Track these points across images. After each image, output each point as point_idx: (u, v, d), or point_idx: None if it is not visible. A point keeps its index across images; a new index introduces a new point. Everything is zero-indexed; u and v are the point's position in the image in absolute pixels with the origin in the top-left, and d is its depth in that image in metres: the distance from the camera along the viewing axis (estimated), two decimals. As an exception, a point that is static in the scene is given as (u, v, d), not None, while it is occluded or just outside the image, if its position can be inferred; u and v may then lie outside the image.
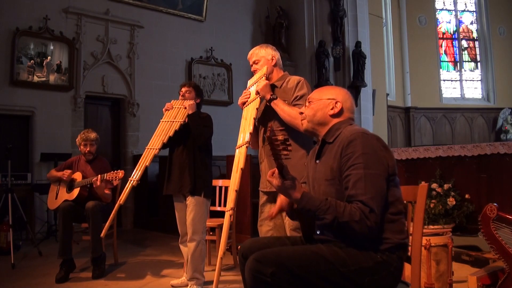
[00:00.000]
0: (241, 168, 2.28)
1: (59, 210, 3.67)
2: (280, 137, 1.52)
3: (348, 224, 1.49)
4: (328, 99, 1.78)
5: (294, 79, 2.47)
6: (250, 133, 2.37)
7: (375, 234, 1.53)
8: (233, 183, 2.28)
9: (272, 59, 2.52)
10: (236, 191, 2.25)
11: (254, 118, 2.42)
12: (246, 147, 2.35)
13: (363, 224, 1.48)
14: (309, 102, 1.83)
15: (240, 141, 2.41)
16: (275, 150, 1.51)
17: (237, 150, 2.41)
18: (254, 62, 2.57)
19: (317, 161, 1.78)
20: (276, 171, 1.60)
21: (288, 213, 1.89)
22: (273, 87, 2.49)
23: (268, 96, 2.40)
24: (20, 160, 5.71)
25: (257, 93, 2.43)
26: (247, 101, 2.51)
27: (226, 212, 2.24)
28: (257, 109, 2.44)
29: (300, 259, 1.54)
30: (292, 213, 1.86)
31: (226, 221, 2.22)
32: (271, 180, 1.61)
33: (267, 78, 2.49)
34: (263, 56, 2.53)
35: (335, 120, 1.76)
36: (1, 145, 4.97)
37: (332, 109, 1.76)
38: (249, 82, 2.59)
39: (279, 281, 1.50)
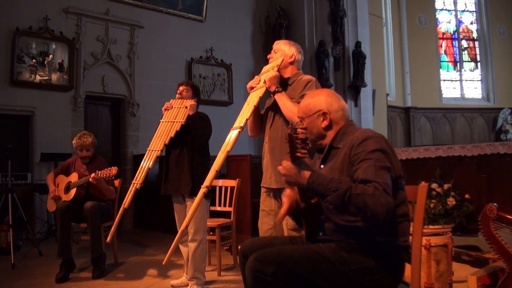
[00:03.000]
0: (228, 151, 2.32)
1: (56, 211, 3.67)
2: (302, 136, 1.51)
3: (361, 197, 1.43)
4: (315, 114, 1.77)
5: (306, 78, 2.46)
6: (247, 119, 2.40)
7: (389, 216, 1.45)
8: (216, 162, 2.31)
9: (291, 57, 2.52)
10: (216, 171, 2.29)
11: (255, 106, 2.43)
12: (239, 131, 2.37)
13: (377, 200, 1.42)
14: (300, 120, 1.81)
15: (236, 123, 2.43)
16: (293, 148, 1.50)
17: (230, 132, 2.42)
18: (274, 51, 2.58)
19: (321, 166, 1.77)
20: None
21: (294, 214, 1.85)
22: (285, 83, 2.50)
23: (273, 88, 2.41)
24: (20, 160, 5.71)
25: (265, 82, 2.44)
26: (255, 86, 2.51)
27: (201, 189, 2.29)
28: (260, 97, 2.44)
29: (301, 258, 1.54)
30: (296, 214, 1.82)
31: (198, 196, 2.27)
32: (283, 163, 1.59)
33: (279, 71, 2.49)
34: (284, 50, 2.54)
35: (334, 129, 1.75)
36: (1, 145, 4.96)
37: (323, 121, 1.76)
38: (263, 69, 2.58)
39: (280, 281, 1.50)
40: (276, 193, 2.46)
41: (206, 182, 2.29)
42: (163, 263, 2.19)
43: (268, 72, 2.47)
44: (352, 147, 1.61)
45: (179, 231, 2.21)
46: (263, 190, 2.57)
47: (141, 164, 3.02)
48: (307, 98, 1.84)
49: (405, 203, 1.63)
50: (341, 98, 1.83)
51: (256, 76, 2.56)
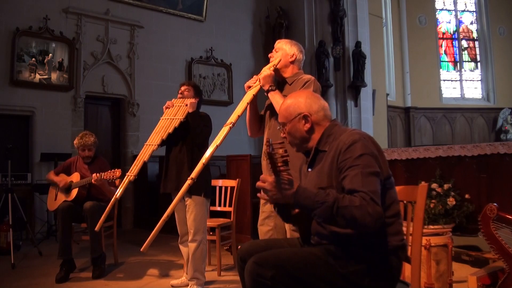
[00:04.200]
0: (217, 145, 2.35)
1: (58, 211, 3.67)
2: (280, 151, 1.49)
3: (348, 210, 1.41)
4: (295, 117, 1.72)
5: (305, 77, 2.48)
6: (238, 115, 2.41)
7: (378, 225, 1.45)
8: (204, 156, 2.36)
9: (292, 56, 2.53)
10: (203, 164, 2.32)
11: (248, 103, 2.46)
12: (230, 127, 2.39)
13: (364, 211, 1.41)
14: (282, 126, 1.77)
15: (228, 120, 2.45)
16: (274, 165, 1.48)
17: (222, 128, 2.44)
18: (275, 50, 2.60)
19: (309, 170, 1.75)
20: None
21: (284, 217, 1.84)
22: (285, 83, 2.51)
23: (266, 87, 2.43)
24: (20, 160, 5.70)
25: (259, 81, 2.46)
26: (252, 85, 2.53)
27: (186, 180, 2.31)
28: (254, 95, 2.47)
29: (300, 261, 1.54)
30: (288, 217, 1.80)
31: (183, 188, 2.28)
32: (267, 179, 1.52)
33: (279, 71, 2.51)
34: (285, 49, 2.55)
35: (318, 130, 1.72)
36: (1, 145, 4.96)
37: (305, 124, 1.72)
38: (263, 69, 2.59)
39: (279, 284, 1.50)
40: None
41: (193, 174, 2.31)
42: (141, 249, 2.21)
43: (263, 71, 2.49)
44: (340, 153, 1.57)
45: (161, 220, 2.22)
46: None
47: (137, 157, 3.01)
48: (286, 102, 1.79)
49: (396, 202, 1.62)
50: (320, 97, 1.80)
51: (254, 76, 2.58)
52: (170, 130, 3.09)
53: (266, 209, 2.53)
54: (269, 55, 2.63)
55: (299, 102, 1.74)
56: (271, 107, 2.51)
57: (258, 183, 1.55)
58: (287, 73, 2.53)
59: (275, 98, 2.38)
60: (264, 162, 2.56)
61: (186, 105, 3.17)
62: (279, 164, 1.48)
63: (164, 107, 3.26)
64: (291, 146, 1.79)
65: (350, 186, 1.49)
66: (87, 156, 3.91)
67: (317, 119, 1.72)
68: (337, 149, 1.60)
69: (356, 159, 1.52)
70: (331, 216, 1.46)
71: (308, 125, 1.71)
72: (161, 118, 3.21)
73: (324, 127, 1.72)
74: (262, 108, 2.65)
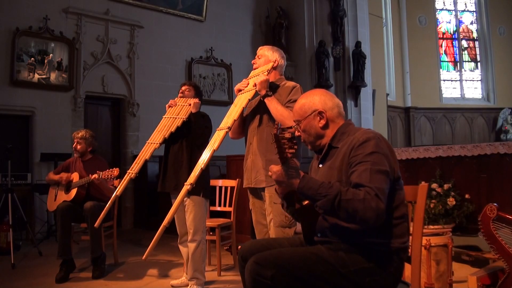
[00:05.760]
0: (214, 149, 2.35)
1: (57, 211, 3.67)
2: (287, 135, 1.52)
3: (351, 202, 1.43)
4: (311, 114, 1.74)
5: (290, 83, 2.53)
6: (234, 119, 2.44)
7: (379, 221, 1.46)
8: (202, 160, 2.35)
9: (275, 62, 2.56)
10: (201, 168, 2.32)
11: (243, 108, 2.48)
12: (226, 132, 2.41)
13: (367, 205, 1.42)
14: (297, 124, 1.79)
15: (222, 124, 2.47)
16: (281, 148, 1.50)
17: (217, 132, 2.46)
18: (257, 56, 2.64)
19: (320, 165, 1.76)
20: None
21: (291, 210, 1.86)
22: (275, 86, 2.52)
23: (263, 92, 2.44)
24: (20, 160, 5.71)
25: (255, 85, 2.47)
26: (243, 89, 2.55)
27: (184, 185, 2.30)
28: (249, 99, 2.49)
29: (300, 261, 1.54)
30: (294, 211, 1.83)
31: (181, 193, 2.27)
32: (272, 168, 1.60)
33: None
34: (267, 56, 2.59)
35: (332, 127, 1.74)
36: (1, 145, 4.96)
37: (320, 121, 1.73)
38: (251, 73, 2.63)
39: (279, 284, 1.50)
40: (261, 192, 2.51)
41: (191, 179, 2.31)
42: (143, 258, 2.19)
43: (258, 76, 2.51)
44: (352, 148, 1.59)
45: (161, 227, 2.21)
46: (249, 194, 2.62)
47: (139, 155, 3.00)
48: (301, 100, 1.81)
49: (403, 204, 1.63)
50: (334, 96, 1.82)
51: (244, 80, 2.61)
52: (173, 129, 3.09)
53: (256, 208, 2.60)
54: (252, 62, 2.67)
55: (314, 99, 1.77)
56: (259, 108, 2.53)
57: (269, 173, 1.62)
58: (270, 79, 2.55)
59: (273, 104, 2.40)
60: (249, 160, 2.57)
61: (189, 104, 3.17)
62: (286, 147, 1.50)
63: (167, 105, 3.26)
64: (305, 144, 1.82)
65: (357, 180, 1.50)
66: (77, 150, 3.91)
67: (332, 116, 1.74)
68: (350, 145, 1.62)
69: (367, 156, 1.54)
70: (331, 208, 1.48)
71: (323, 122, 1.73)
72: (164, 116, 3.21)
73: (338, 125, 1.74)
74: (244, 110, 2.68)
